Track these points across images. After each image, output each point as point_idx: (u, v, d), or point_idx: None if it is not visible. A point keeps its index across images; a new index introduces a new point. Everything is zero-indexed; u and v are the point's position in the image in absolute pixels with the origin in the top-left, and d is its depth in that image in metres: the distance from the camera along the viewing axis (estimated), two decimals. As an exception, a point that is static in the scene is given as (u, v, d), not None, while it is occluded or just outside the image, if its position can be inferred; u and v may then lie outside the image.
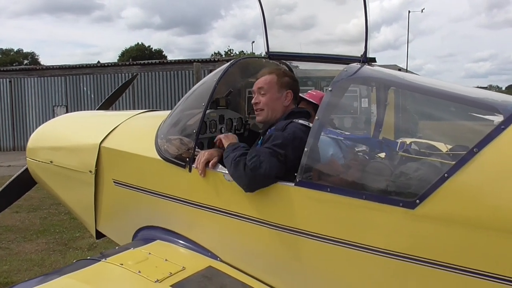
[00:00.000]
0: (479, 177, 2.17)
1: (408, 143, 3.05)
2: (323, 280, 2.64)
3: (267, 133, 3.03)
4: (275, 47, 3.62)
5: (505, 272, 2.03)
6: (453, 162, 2.23)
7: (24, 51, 78.25)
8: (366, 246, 2.39)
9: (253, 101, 3.23)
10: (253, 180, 2.70)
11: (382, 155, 3.14)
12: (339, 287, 2.61)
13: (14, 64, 52.90)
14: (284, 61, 3.78)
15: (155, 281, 2.69)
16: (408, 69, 34.31)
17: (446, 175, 2.19)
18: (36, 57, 78.28)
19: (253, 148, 3.01)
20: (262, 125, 3.41)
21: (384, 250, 2.34)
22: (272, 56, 3.64)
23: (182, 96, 3.80)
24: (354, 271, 2.52)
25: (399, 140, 3.16)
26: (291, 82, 3.26)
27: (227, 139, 3.10)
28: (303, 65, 4.06)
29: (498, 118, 2.28)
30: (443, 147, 2.88)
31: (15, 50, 75.95)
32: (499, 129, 2.20)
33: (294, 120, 2.96)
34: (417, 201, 2.23)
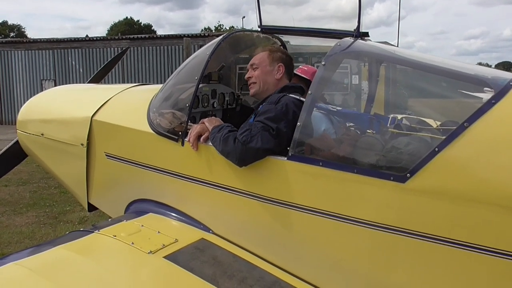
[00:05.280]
0: (469, 151, 2.19)
1: (399, 118, 3.07)
2: (314, 253, 2.68)
3: (259, 108, 3.04)
4: (268, 22, 3.58)
5: (494, 244, 2.08)
6: (444, 137, 2.25)
7: (10, 23, 76.57)
8: (357, 219, 2.43)
9: (246, 76, 3.29)
10: (245, 154, 2.71)
11: (374, 130, 3.16)
12: (330, 260, 2.64)
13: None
14: (277, 35, 3.76)
15: (148, 253, 2.72)
16: (399, 46, 34.12)
17: (436, 149, 2.21)
18: (23, 29, 76.81)
19: (246, 123, 3.01)
20: (253, 101, 3.41)
21: (375, 223, 2.37)
22: (264, 29, 3.61)
23: (172, 72, 3.78)
24: (345, 244, 2.56)
25: (391, 116, 3.18)
26: (283, 57, 3.30)
27: (210, 122, 3.08)
28: (294, 41, 4.04)
29: (489, 93, 2.30)
30: (433, 123, 2.91)
31: (-1, 22, 74.20)
32: (489, 104, 2.21)
33: (287, 94, 2.96)
34: (408, 175, 2.26)
